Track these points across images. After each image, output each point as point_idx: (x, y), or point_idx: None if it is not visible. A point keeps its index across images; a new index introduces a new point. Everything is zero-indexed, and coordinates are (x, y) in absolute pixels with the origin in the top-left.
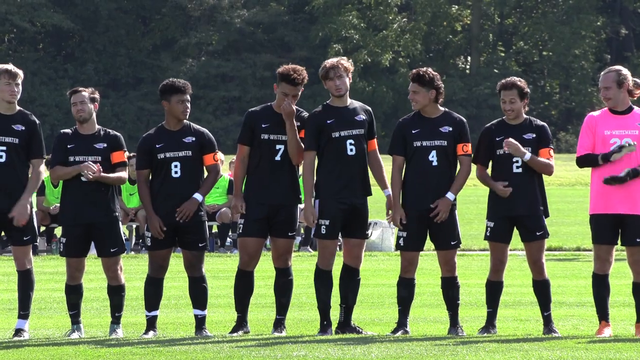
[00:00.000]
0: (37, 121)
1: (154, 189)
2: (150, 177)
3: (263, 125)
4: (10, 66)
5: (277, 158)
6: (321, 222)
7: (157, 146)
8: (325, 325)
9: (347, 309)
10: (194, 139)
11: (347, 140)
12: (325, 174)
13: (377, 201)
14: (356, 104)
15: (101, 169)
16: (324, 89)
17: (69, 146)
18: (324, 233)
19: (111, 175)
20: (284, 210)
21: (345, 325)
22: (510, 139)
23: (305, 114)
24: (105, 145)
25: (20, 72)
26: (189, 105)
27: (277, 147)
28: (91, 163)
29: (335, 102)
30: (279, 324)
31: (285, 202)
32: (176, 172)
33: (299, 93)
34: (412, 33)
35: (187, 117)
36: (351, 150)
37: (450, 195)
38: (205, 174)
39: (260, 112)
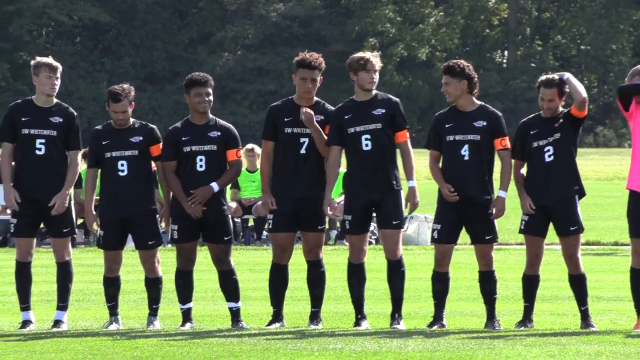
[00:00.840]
0: (75, 113)
1: (181, 181)
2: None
3: (285, 119)
4: (50, 59)
5: (302, 151)
6: (346, 217)
7: (183, 139)
8: (359, 319)
9: (394, 300)
10: (219, 133)
11: (362, 135)
12: (348, 170)
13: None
14: (381, 96)
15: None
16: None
17: (103, 142)
18: (348, 228)
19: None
20: (311, 204)
21: (394, 317)
22: None
23: (330, 108)
24: (141, 138)
25: (60, 66)
26: (208, 98)
27: (302, 140)
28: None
29: (358, 96)
30: (314, 317)
31: (311, 195)
32: (201, 166)
33: (318, 78)
34: (449, 27)
35: (207, 110)
36: (367, 145)
37: (502, 194)
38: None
39: (282, 106)
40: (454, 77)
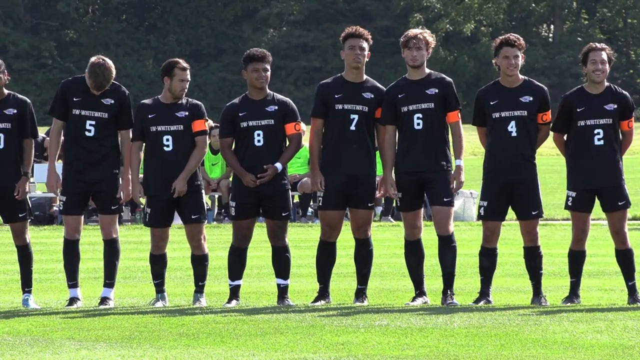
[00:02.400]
0: (127, 92)
1: (239, 157)
2: (234, 146)
3: (336, 96)
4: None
5: (352, 128)
6: (398, 194)
7: (240, 114)
8: (418, 294)
9: (445, 276)
10: (276, 107)
11: (414, 114)
12: (399, 148)
13: None
14: (434, 75)
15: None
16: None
17: (149, 116)
18: (400, 205)
19: (192, 163)
20: (363, 181)
21: (446, 293)
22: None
23: (380, 87)
24: (187, 113)
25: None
26: (265, 74)
27: (352, 116)
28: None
29: (411, 75)
30: (360, 294)
31: (363, 172)
32: (259, 141)
33: (367, 48)
34: (494, 2)
35: (265, 85)
36: (418, 124)
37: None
38: (287, 143)
39: (332, 83)
40: (520, 50)
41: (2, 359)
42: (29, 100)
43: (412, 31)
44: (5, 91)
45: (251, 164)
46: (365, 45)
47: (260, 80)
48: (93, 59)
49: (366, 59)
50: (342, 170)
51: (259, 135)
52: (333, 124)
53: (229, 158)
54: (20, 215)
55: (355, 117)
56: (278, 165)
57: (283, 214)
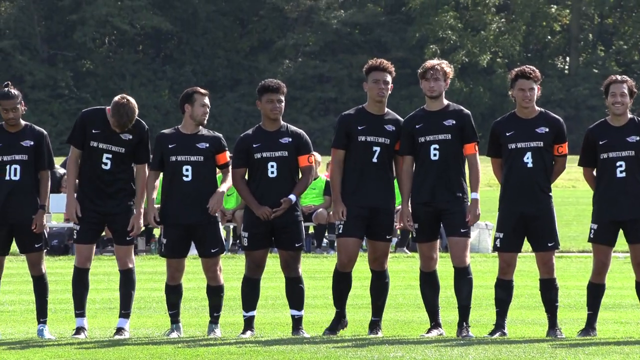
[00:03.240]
0: (147, 127)
1: (251, 188)
2: (247, 178)
3: (359, 128)
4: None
5: (374, 160)
6: (414, 225)
7: (254, 146)
8: (433, 326)
9: (461, 308)
10: (290, 139)
11: (431, 145)
12: (415, 178)
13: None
14: (452, 107)
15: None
16: (420, 90)
17: (170, 146)
18: (416, 236)
19: (226, 184)
20: (382, 213)
21: (461, 326)
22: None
23: (399, 118)
24: (207, 145)
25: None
26: (279, 105)
27: (374, 148)
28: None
29: (429, 106)
30: (374, 326)
31: (383, 205)
32: (272, 172)
33: (390, 81)
34: (510, 33)
35: (279, 116)
36: (435, 155)
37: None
38: (300, 175)
39: (354, 115)
40: (535, 82)
41: None
42: (45, 132)
43: (430, 62)
44: (22, 122)
45: (264, 195)
46: (389, 78)
47: (275, 111)
48: (117, 98)
49: (389, 92)
50: (363, 202)
51: (272, 166)
52: (355, 155)
53: (242, 190)
54: (36, 246)
55: (378, 149)
56: (292, 197)
57: (296, 245)
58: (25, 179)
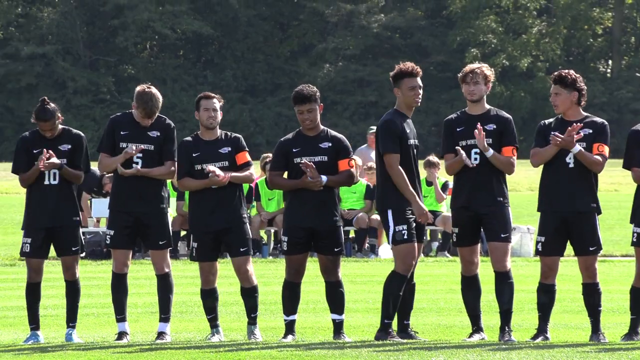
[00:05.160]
0: (172, 125)
1: (290, 193)
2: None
3: (407, 131)
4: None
5: (417, 162)
6: (454, 230)
7: (293, 150)
8: (475, 330)
9: (503, 313)
10: (330, 144)
11: (472, 149)
12: (455, 182)
13: (515, 206)
14: (494, 111)
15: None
16: (461, 94)
17: (194, 154)
18: (456, 241)
19: (240, 174)
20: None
21: (503, 330)
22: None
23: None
24: (229, 149)
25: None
26: (309, 115)
27: (414, 151)
28: (213, 167)
29: (470, 109)
30: (405, 328)
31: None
32: (312, 177)
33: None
34: (551, 37)
35: (313, 125)
36: (475, 159)
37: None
38: None
39: (398, 120)
40: (564, 88)
41: None
42: (82, 135)
43: (470, 66)
44: (60, 126)
45: (304, 199)
46: (421, 82)
47: (305, 122)
48: (139, 88)
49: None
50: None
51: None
52: (404, 159)
53: (282, 182)
54: (73, 249)
55: (415, 151)
56: (324, 177)
57: (335, 250)
58: (63, 183)
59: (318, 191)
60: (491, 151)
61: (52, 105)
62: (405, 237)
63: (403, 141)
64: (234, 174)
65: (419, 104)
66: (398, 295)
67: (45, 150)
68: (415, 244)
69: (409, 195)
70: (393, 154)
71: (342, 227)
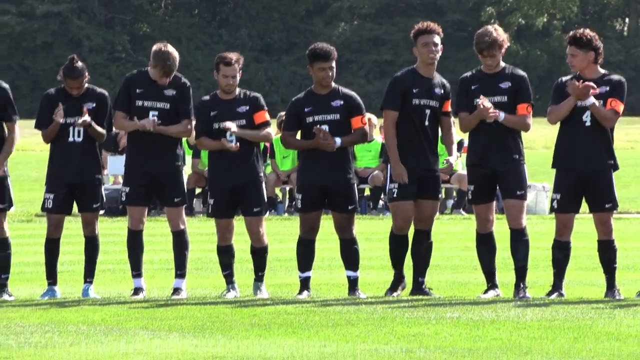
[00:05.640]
0: (188, 84)
1: (304, 152)
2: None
3: (414, 91)
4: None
5: (426, 123)
6: (469, 187)
7: (305, 110)
8: (490, 287)
9: (518, 270)
10: (342, 102)
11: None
12: (470, 140)
13: (531, 164)
14: (509, 70)
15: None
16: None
17: (212, 113)
18: (471, 198)
19: (254, 132)
20: (432, 174)
21: (518, 287)
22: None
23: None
24: (247, 107)
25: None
26: (330, 72)
27: (426, 111)
28: (229, 123)
29: (486, 68)
30: (420, 286)
31: (433, 167)
32: (325, 140)
33: (439, 42)
34: None
35: (331, 83)
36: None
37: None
38: None
39: (409, 77)
40: (580, 48)
41: (77, 347)
42: (107, 94)
43: (485, 36)
44: (85, 85)
45: (317, 158)
46: (438, 40)
47: (327, 79)
48: (155, 47)
49: (439, 54)
50: (417, 164)
51: (325, 129)
52: (409, 118)
53: (295, 143)
54: (94, 206)
55: (429, 112)
56: (337, 140)
57: (349, 207)
58: (87, 140)
59: (332, 151)
60: (502, 115)
61: (81, 63)
62: (395, 195)
63: (407, 99)
64: (251, 132)
65: (435, 60)
66: (395, 250)
67: (60, 104)
68: (409, 203)
69: (391, 155)
70: (389, 111)
71: (356, 185)
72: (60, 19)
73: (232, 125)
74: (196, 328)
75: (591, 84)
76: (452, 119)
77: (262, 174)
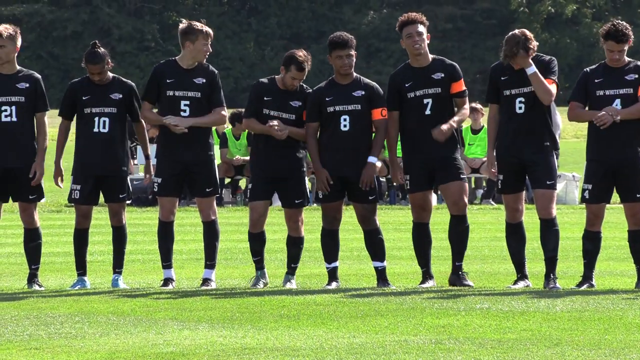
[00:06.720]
0: (216, 71)
1: (323, 141)
2: (320, 131)
3: (406, 85)
4: (207, 27)
5: (427, 112)
6: (499, 177)
7: (327, 99)
8: (519, 278)
9: (547, 260)
10: (363, 92)
11: (517, 98)
12: (500, 130)
13: (561, 153)
14: (541, 56)
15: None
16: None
17: (265, 98)
18: (501, 188)
19: (300, 130)
20: (445, 160)
21: (548, 277)
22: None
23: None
24: (300, 103)
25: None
26: (349, 60)
27: (425, 101)
28: (278, 123)
29: (512, 60)
30: (457, 271)
31: (444, 153)
32: (345, 126)
33: (425, 31)
34: None
35: (350, 71)
36: (520, 108)
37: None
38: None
39: (401, 72)
40: (618, 42)
41: (107, 338)
42: (134, 85)
43: (513, 44)
44: (110, 75)
45: (337, 148)
46: (421, 29)
47: (345, 67)
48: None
49: (427, 42)
50: (425, 154)
51: (345, 120)
52: (410, 111)
53: (311, 146)
54: (120, 196)
55: (429, 100)
56: (372, 159)
57: (370, 198)
58: (113, 131)
59: (352, 140)
60: (533, 67)
61: (103, 49)
62: (408, 187)
63: (403, 94)
64: (295, 129)
65: (420, 50)
66: (417, 241)
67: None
68: (420, 194)
69: (392, 158)
70: (389, 112)
71: (377, 176)
72: (90, 7)
73: (275, 124)
74: (225, 319)
75: (618, 118)
76: (466, 99)
77: (304, 168)
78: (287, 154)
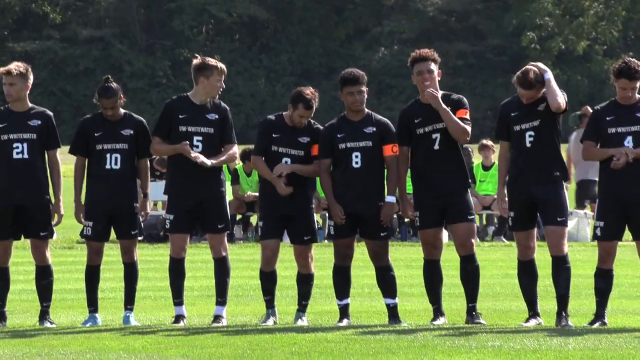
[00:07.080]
0: (228, 108)
1: (335, 178)
2: (332, 168)
3: (416, 121)
4: (220, 63)
5: (436, 147)
6: (510, 214)
7: (338, 136)
8: (531, 315)
9: (559, 298)
10: (374, 129)
11: (526, 132)
12: (510, 165)
13: (572, 190)
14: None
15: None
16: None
17: (274, 135)
18: (512, 225)
19: (308, 167)
20: (455, 198)
21: (560, 315)
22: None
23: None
24: (308, 139)
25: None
26: (360, 96)
27: (434, 136)
28: (283, 165)
29: (522, 95)
30: (471, 311)
31: (454, 190)
32: (357, 163)
33: (435, 68)
34: (609, 20)
35: (361, 108)
36: (530, 142)
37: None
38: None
39: (410, 108)
40: (631, 80)
41: None
42: (144, 121)
43: (524, 80)
44: (122, 111)
45: (349, 185)
46: (433, 66)
47: (356, 103)
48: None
49: (438, 79)
50: (437, 190)
51: (356, 156)
52: (417, 147)
53: (325, 183)
54: (132, 233)
55: (437, 135)
56: (391, 199)
57: (381, 234)
58: (125, 167)
59: (363, 177)
60: (549, 73)
61: (115, 84)
62: (418, 224)
63: (412, 130)
64: (302, 167)
65: (430, 88)
66: (428, 278)
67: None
68: (430, 231)
69: (402, 194)
70: (400, 147)
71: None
72: (102, 44)
73: (280, 172)
74: (236, 356)
75: (631, 158)
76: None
77: (312, 205)
78: (296, 191)
